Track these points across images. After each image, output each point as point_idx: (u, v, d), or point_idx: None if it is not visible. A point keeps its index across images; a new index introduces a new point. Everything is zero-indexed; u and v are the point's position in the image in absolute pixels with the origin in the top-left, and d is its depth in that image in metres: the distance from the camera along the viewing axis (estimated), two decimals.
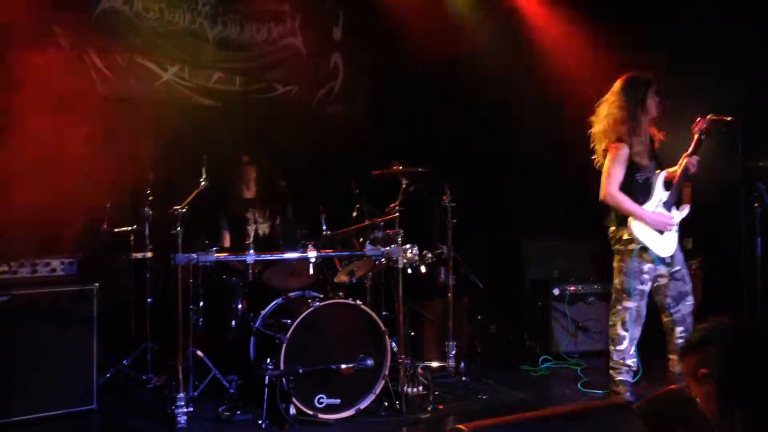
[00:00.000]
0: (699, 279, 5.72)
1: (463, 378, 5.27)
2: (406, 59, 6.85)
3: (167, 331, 4.71)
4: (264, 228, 5.44)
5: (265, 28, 6.63)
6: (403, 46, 6.75)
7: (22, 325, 4.19)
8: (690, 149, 4.35)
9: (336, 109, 7.04)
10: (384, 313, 5.09)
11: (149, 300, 5.18)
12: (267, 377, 4.14)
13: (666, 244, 4.37)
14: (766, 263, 4.15)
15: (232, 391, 4.64)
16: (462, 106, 6.95)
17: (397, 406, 4.45)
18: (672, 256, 4.41)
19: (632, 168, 4.37)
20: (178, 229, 4.36)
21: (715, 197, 5.24)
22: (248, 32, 6.54)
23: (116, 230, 5.18)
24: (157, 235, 5.15)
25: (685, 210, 4.46)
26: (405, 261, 4.68)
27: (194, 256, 4.17)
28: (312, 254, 4.43)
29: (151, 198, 5.12)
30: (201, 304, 4.93)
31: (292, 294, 4.88)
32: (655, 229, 4.34)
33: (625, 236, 4.41)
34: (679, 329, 4.39)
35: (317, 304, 4.35)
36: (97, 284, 4.47)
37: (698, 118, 4.35)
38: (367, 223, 4.99)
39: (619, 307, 4.47)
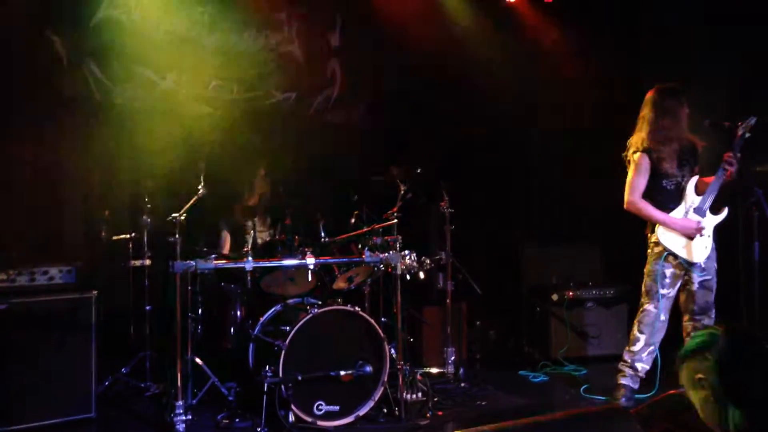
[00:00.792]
0: None
1: (462, 384, 5.26)
2: (404, 65, 6.87)
3: (166, 339, 4.71)
4: (264, 236, 5.45)
5: (262, 36, 6.64)
6: (401, 52, 6.78)
7: (21, 333, 4.18)
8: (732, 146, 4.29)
9: (334, 116, 7.04)
10: (383, 319, 5.09)
11: (148, 307, 5.17)
12: (266, 384, 4.13)
13: (696, 250, 4.37)
14: (763, 268, 4.16)
15: (231, 398, 4.63)
16: (461, 112, 6.97)
17: (396, 413, 4.44)
18: (705, 264, 4.41)
19: (659, 176, 4.41)
20: (177, 236, 4.37)
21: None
22: (246, 40, 6.54)
23: (114, 238, 5.18)
24: (155, 242, 5.15)
25: (723, 214, 4.43)
26: (403, 267, 4.69)
27: (192, 263, 4.18)
28: (310, 261, 4.44)
29: (149, 205, 5.11)
30: (199, 311, 4.92)
31: (290, 301, 4.88)
32: (683, 235, 4.36)
33: (653, 240, 4.46)
34: None
35: (316, 310, 4.35)
36: (95, 292, 4.46)
37: (745, 118, 4.31)
38: (365, 229, 5.00)
39: (641, 309, 4.52)
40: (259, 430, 4.14)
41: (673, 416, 2.10)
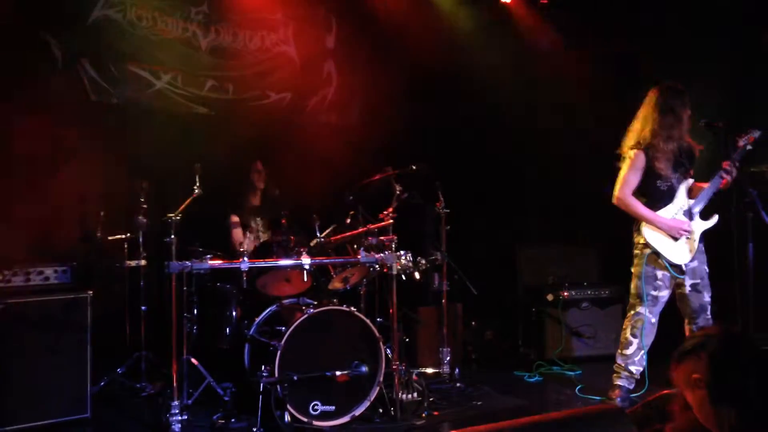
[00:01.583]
0: None
1: (458, 384, 5.26)
2: (399, 66, 6.87)
3: (161, 339, 4.70)
4: (265, 237, 5.46)
5: (258, 36, 6.64)
6: (397, 53, 6.79)
7: (16, 333, 4.17)
8: (731, 157, 4.29)
9: (329, 117, 7.05)
10: (378, 319, 5.09)
11: (143, 308, 5.17)
12: (262, 384, 4.13)
13: (680, 251, 4.37)
14: (758, 269, 4.17)
15: (226, 398, 4.62)
16: (456, 113, 6.98)
17: (392, 413, 4.44)
18: (693, 268, 4.41)
19: (653, 175, 4.39)
20: (172, 236, 4.37)
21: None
22: (241, 40, 6.55)
23: (110, 238, 5.17)
24: (151, 242, 5.14)
25: (712, 221, 4.43)
26: (399, 267, 4.69)
27: (188, 263, 4.17)
28: (306, 261, 4.44)
29: (144, 206, 5.11)
30: (195, 311, 4.92)
31: (286, 301, 4.89)
32: (669, 235, 4.36)
33: (641, 241, 4.45)
34: None
35: (311, 311, 4.35)
36: (90, 292, 4.46)
37: (750, 131, 4.32)
38: (361, 230, 5.00)
39: (632, 312, 4.51)
40: (254, 430, 4.14)
41: (668, 416, 2.11)
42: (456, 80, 6.94)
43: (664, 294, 4.45)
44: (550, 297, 6.01)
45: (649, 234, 4.39)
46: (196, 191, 4.69)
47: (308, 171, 6.26)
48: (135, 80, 6.01)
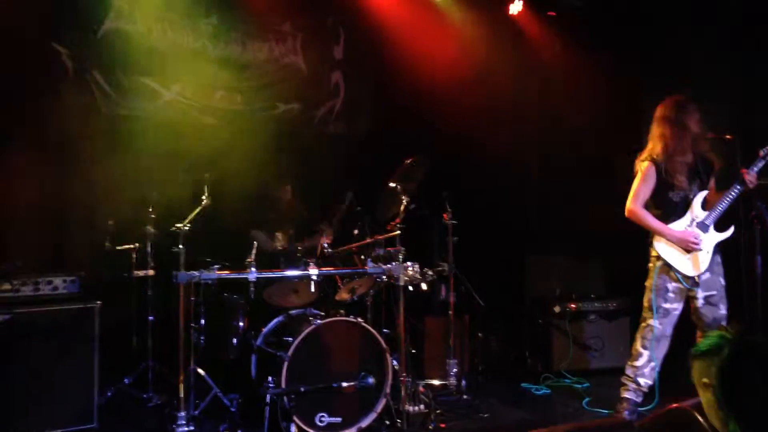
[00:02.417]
0: None
1: (465, 396, 5.25)
2: (407, 76, 6.89)
3: (169, 350, 4.71)
4: (284, 244, 5.48)
5: (266, 47, 6.68)
6: (404, 63, 6.80)
7: (24, 343, 4.19)
8: (750, 166, 4.26)
9: (337, 127, 7.07)
10: (385, 330, 5.09)
11: (151, 318, 5.18)
12: (268, 395, 4.13)
13: (692, 263, 4.36)
14: (766, 282, 4.15)
15: (233, 409, 4.62)
16: (464, 122, 6.99)
17: (399, 425, 4.43)
18: (706, 280, 4.38)
19: (665, 186, 4.40)
20: (181, 246, 4.38)
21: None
22: (250, 51, 6.58)
23: (118, 248, 5.19)
24: (159, 253, 5.16)
25: (727, 232, 4.40)
26: (406, 278, 4.68)
27: (196, 273, 4.18)
28: (313, 272, 4.44)
29: (153, 216, 5.13)
30: (202, 321, 4.93)
31: (293, 312, 4.89)
32: (680, 247, 4.35)
33: (653, 253, 4.45)
34: None
35: (318, 321, 4.35)
36: (99, 302, 4.48)
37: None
38: (368, 240, 5.01)
39: (643, 324, 4.51)
40: None
41: (676, 430, 2.10)
42: (463, 90, 6.95)
43: (676, 306, 4.44)
44: (557, 309, 6.00)
45: (661, 246, 4.40)
46: (205, 201, 4.71)
47: (316, 181, 6.29)
48: (145, 91, 6.05)
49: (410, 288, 4.89)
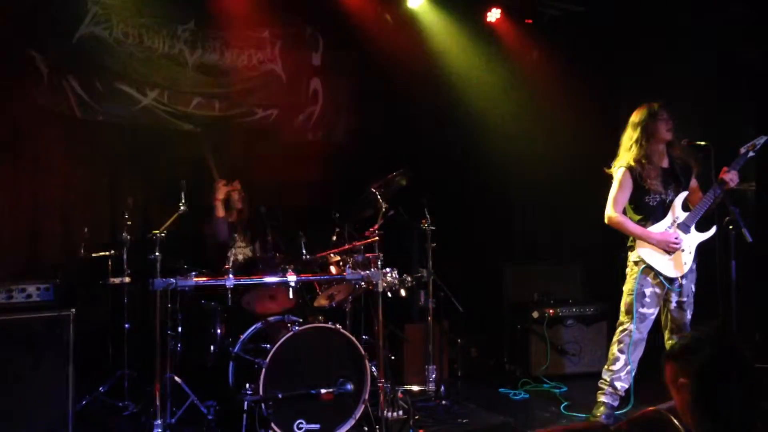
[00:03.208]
0: None
1: (444, 402, 5.26)
2: (386, 84, 6.91)
3: (145, 357, 4.66)
4: (245, 252, 5.44)
5: (245, 54, 6.65)
6: (383, 71, 6.82)
7: None
8: (730, 164, 4.32)
9: (316, 134, 7.06)
10: (364, 337, 5.08)
11: (127, 325, 5.13)
12: (246, 403, 4.10)
13: (675, 265, 4.41)
14: (741, 287, 4.20)
15: (210, 417, 4.58)
16: (443, 129, 7.02)
17: (377, 431, 4.42)
18: (684, 285, 4.44)
19: (641, 191, 4.46)
20: (157, 253, 4.35)
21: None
22: (228, 58, 6.55)
23: (94, 255, 5.13)
24: (135, 259, 5.11)
25: (709, 232, 4.46)
26: (385, 285, 4.68)
27: (173, 280, 4.15)
28: (292, 278, 4.42)
29: (129, 222, 5.08)
30: (179, 329, 4.88)
31: (271, 318, 4.86)
32: (661, 249, 4.40)
33: (632, 258, 4.50)
34: None
35: (297, 328, 4.34)
36: (73, 310, 4.40)
37: (752, 141, 4.34)
38: (346, 246, 5.00)
39: (621, 329, 4.56)
40: None
41: None
42: (443, 99, 6.99)
43: (653, 311, 4.49)
44: (535, 314, 6.03)
45: (643, 250, 4.44)
46: (182, 208, 4.68)
47: (294, 188, 6.28)
48: (121, 97, 5.99)
49: (389, 294, 4.89)
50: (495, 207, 7.22)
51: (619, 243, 4.69)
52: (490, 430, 4.63)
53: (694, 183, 4.61)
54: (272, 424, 4.11)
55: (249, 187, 5.61)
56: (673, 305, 4.48)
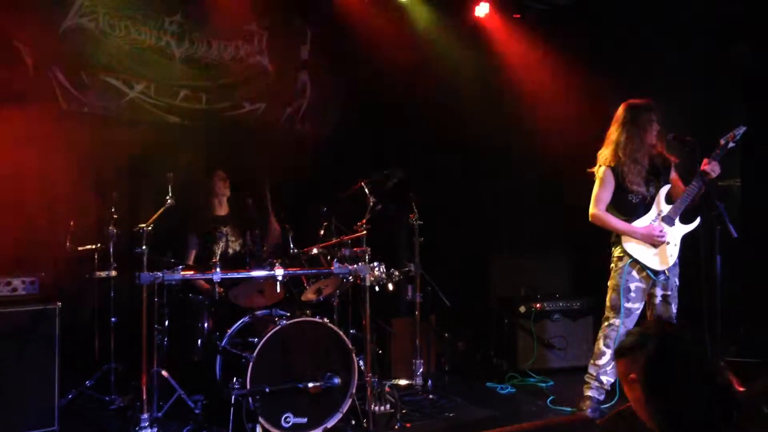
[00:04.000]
0: None
1: (431, 396, 5.27)
2: (374, 77, 6.90)
3: (131, 351, 4.65)
4: (235, 246, 5.43)
5: (232, 47, 6.62)
6: (371, 64, 6.81)
7: None
8: (711, 155, 4.33)
9: (304, 128, 7.05)
10: (351, 331, 5.09)
11: (113, 319, 5.10)
12: (233, 396, 4.10)
13: (661, 258, 4.43)
14: (726, 281, 4.23)
15: (197, 411, 4.58)
16: (431, 123, 7.02)
17: (365, 425, 4.44)
18: (668, 278, 4.47)
19: (623, 190, 4.47)
20: (144, 247, 4.33)
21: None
22: (215, 50, 6.52)
23: (80, 248, 5.10)
24: (121, 253, 5.09)
25: (693, 224, 4.48)
26: (372, 279, 4.70)
27: (159, 274, 4.13)
28: (279, 272, 4.42)
29: (115, 216, 5.06)
30: (166, 323, 4.87)
31: (258, 312, 4.85)
32: (647, 242, 4.42)
33: (617, 254, 4.51)
34: None
35: (284, 322, 4.33)
36: (59, 304, 4.40)
37: (732, 131, 4.36)
38: (334, 241, 5.00)
39: (606, 324, 4.57)
40: None
41: (637, 426, 2.13)
42: (430, 92, 6.99)
43: (638, 306, 4.51)
44: (522, 309, 6.05)
45: (629, 245, 4.46)
46: (169, 201, 4.66)
47: (282, 181, 6.26)
48: (107, 89, 5.95)
49: (377, 288, 4.90)
50: (483, 201, 7.23)
51: (606, 238, 4.71)
52: (477, 424, 4.64)
53: (674, 174, 4.62)
54: (259, 418, 4.11)
55: (236, 181, 5.59)
56: (658, 300, 4.51)
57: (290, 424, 4.24)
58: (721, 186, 4.49)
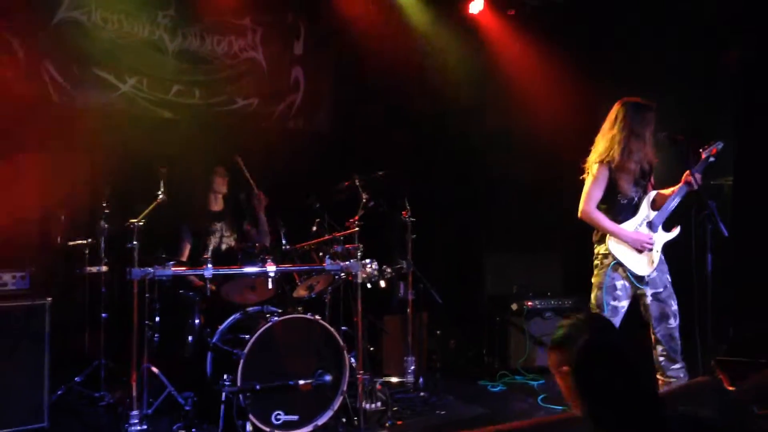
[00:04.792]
0: None
1: (422, 393, 5.27)
2: (367, 73, 6.88)
3: (121, 347, 4.63)
4: (229, 241, 5.41)
5: (225, 41, 6.60)
6: (365, 60, 6.80)
7: None
8: (694, 168, 4.32)
9: (297, 123, 7.03)
10: (343, 328, 5.08)
11: (104, 315, 5.08)
12: (224, 393, 4.09)
13: (643, 263, 4.42)
14: (717, 280, 4.24)
15: (187, 408, 4.55)
16: (424, 121, 7.01)
17: (356, 423, 4.43)
18: (653, 278, 4.45)
19: (614, 190, 4.44)
20: (135, 242, 4.30)
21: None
22: (208, 45, 6.50)
23: (71, 243, 5.07)
24: (112, 248, 5.06)
25: (675, 232, 4.46)
26: (364, 276, 4.69)
27: (150, 270, 4.12)
28: (271, 269, 4.40)
29: (107, 211, 5.03)
30: (157, 319, 4.85)
31: (250, 309, 4.84)
32: (633, 247, 4.41)
33: (602, 252, 4.49)
34: (659, 348, 4.39)
35: (275, 319, 4.32)
36: (49, 299, 4.37)
37: (712, 143, 4.37)
38: (326, 237, 4.99)
39: None
40: None
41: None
42: (424, 88, 6.98)
43: (624, 304, 4.49)
44: (514, 306, 6.05)
45: (613, 246, 4.44)
46: (160, 196, 4.64)
47: (274, 177, 6.24)
48: (99, 83, 5.92)
49: (368, 285, 4.89)
50: (475, 199, 7.23)
51: None
52: (468, 422, 4.64)
53: (651, 179, 4.61)
54: (250, 415, 4.10)
55: (229, 177, 5.57)
56: (648, 299, 4.48)
57: (281, 421, 4.23)
58: (712, 184, 4.49)
